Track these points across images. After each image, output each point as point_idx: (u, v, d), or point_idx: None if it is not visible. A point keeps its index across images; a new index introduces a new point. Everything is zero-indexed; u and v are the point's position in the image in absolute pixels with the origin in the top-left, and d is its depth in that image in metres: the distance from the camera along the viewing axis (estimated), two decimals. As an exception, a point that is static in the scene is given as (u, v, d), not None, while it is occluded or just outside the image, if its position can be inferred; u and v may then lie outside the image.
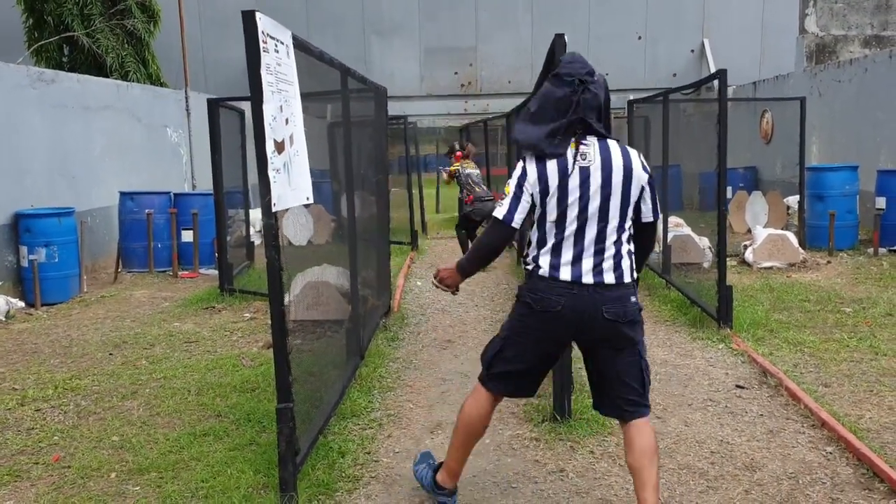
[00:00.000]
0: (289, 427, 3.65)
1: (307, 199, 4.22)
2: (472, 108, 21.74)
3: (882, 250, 10.29)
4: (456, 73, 20.18)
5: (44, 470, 4.31)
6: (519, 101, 12.35)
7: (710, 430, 4.72)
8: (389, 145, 16.21)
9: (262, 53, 3.67)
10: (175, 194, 11.05)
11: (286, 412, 3.66)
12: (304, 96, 4.80)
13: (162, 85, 14.55)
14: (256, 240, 11.84)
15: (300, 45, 4.40)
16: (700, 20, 20.24)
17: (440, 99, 21.25)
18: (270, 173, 3.67)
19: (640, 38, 20.10)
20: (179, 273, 10.30)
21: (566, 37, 4.72)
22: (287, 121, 3.98)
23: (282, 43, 4.03)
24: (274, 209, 3.69)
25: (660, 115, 9.26)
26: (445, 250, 12.96)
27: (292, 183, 3.98)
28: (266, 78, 3.71)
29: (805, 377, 5.56)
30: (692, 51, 20.06)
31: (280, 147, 3.83)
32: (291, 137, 4.04)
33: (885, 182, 10.50)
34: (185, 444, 4.57)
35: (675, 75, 19.60)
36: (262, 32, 3.70)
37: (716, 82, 6.68)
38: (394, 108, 17.26)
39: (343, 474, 4.14)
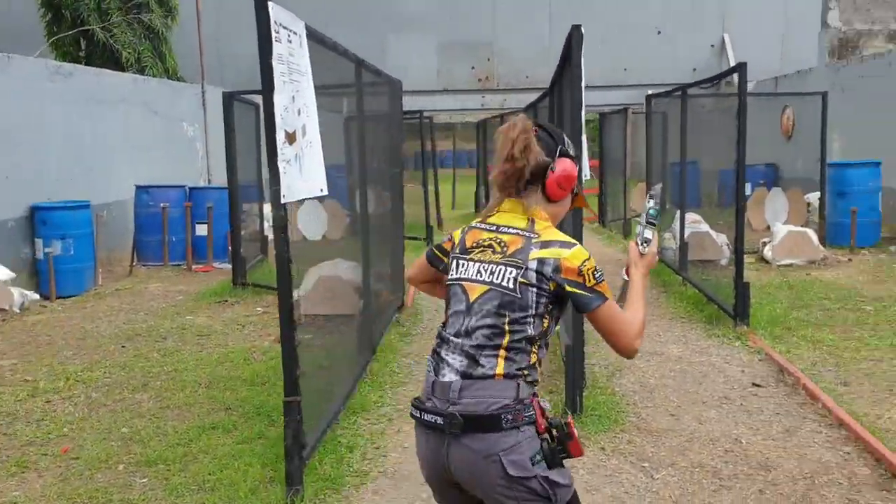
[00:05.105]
0: (296, 421, 3.62)
1: (321, 190, 4.18)
2: (489, 103, 21.63)
3: (904, 248, 10.14)
4: (473, 67, 20.08)
5: (52, 461, 4.30)
6: (536, 96, 12.27)
7: (725, 428, 4.65)
8: (405, 140, 16.18)
9: (275, 43, 3.64)
10: (190, 188, 11.08)
11: (293, 406, 3.63)
12: (318, 88, 4.77)
13: (179, 79, 14.58)
14: (271, 234, 11.86)
15: (314, 36, 4.36)
16: (720, 14, 20.02)
17: (457, 94, 21.16)
18: (280, 164, 3.63)
19: (659, 32, 19.91)
20: (193, 266, 10.32)
21: (582, 29, 4.65)
22: (299, 111, 3.95)
23: (295, 33, 3.99)
24: (283, 200, 3.66)
25: (678, 110, 9.15)
26: (461, 245, 12.89)
27: (304, 174, 3.94)
28: (278, 68, 3.67)
29: (824, 376, 5.47)
30: (712, 45, 19.86)
31: (291, 138, 3.79)
32: (304, 128, 4.00)
33: (908, 179, 10.34)
34: (193, 437, 4.55)
35: (695, 70, 19.40)
36: (275, 22, 3.67)
37: (735, 76, 6.58)
38: (410, 103, 17.21)
39: (351, 469, 4.11)
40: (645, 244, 2.36)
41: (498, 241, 2.23)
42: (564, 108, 5.98)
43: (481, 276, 2.21)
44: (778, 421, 4.76)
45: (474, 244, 2.27)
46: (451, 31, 19.95)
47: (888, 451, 4.11)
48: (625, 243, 12.63)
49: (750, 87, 17.33)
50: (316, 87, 4.51)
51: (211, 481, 3.96)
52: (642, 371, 5.72)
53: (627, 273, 2.40)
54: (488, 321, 2.16)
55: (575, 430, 2.16)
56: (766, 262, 9.63)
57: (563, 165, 2.25)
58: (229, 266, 9.51)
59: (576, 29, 4.48)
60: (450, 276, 2.31)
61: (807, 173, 13.43)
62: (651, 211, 2.39)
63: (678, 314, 7.44)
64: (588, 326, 5.18)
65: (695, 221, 9.61)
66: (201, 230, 10.52)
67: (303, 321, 7.14)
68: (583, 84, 4.54)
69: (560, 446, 2.14)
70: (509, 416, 2.10)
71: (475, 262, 2.23)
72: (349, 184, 6.40)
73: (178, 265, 10.52)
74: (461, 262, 2.28)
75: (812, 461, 4.18)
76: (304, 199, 12.44)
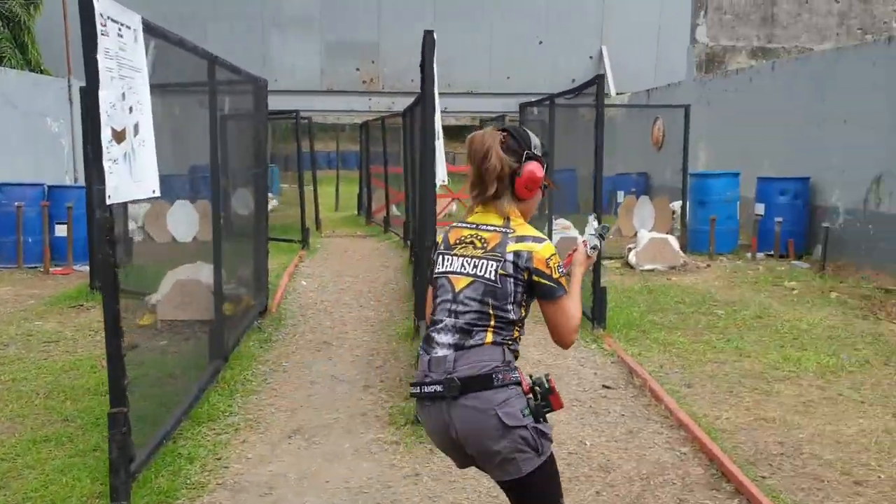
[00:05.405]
0: (121, 433, 3.45)
1: (153, 192, 4.02)
2: (376, 105, 21.56)
3: (760, 255, 10.67)
4: (357, 69, 19.97)
5: None
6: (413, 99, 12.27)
7: (572, 430, 4.74)
8: (285, 141, 15.90)
9: (100, 37, 3.46)
10: (49, 186, 10.51)
11: (119, 417, 3.46)
12: (166, 86, 4.59)
13: (43, 72, 13.85)
14: (137, 236, 11.42)
15: (154, 32, 4.18)
16: (599, 26, 20.63)
17: (343, 95, 20.99)
18: (106, 163, 3.46)
19: (540, 42, 20.34)
20: (51, 269, 9.79)
21: (435, 34, 4.65)
22: (131, 109, 3.78)
23: (128, 27, 3.81)
24: (109, 202, 3.48)
25: (557, 119, 9.37)
26: (338, 249, 12.77)
27: (135, 174, 3.77)
28: (104, 63, 3.50)
29: (670, 377, 5.66)
30: (591, 57, 20.44)
31: (120, 136, 3.62)
32: (136, 126, 3.83)
33: (765, 189, 10.90)
34: (21, 451, 4.28)
35: (574, 80, 19.90)
36: (101, 15, 3.49)
37: (594, 88, 6.76)
38: (293, 103, 16.94)
39: (188, 481, 3.95)
40: (594, 250, 2.81)
41: (478, 237, 2.50)
42: (427, 113, 5.98)
43: (465, 269, 2.48)
44: (623, 423, 4.89)
45: (457, 241, 2.53)
46: (336, 32, 19.79)
47: (720, 451, 4.28)
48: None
49: (625, 98, 17.99)
50: (164, 85, 4.35)
51: (33, 498, 3.73)
52: (500, 375, 5.77)
53: (566, 266, 2.70)
54: (474, 307, 2.45)
55: (555, 385, 2.49)
56: (631, 267, 9.95)
57: (529, 168, 2.50)
58: (89, 269, 9.07)
59: (428, 34, 4.48)
60: (437, 270, 2.58)
61: (675, 182, 13.98)
62: (606, 226, 2.93)
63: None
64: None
65: (564, 227, 9.85)
66: (61, 231, 10.00)
67: (160, 326, 6.91)
68: (435, 89, 4.54)
69: (544, 402, 2.46)
70: (500, 376, 2.41)
71: (459, 256, 2.50)
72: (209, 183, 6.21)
73: (35, 268, 9.95)
74: (446, 257, 2.55)
75: (650, 462, 4.30)
76: (174, 201, 11.99)
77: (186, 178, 11.42)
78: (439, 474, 4.11)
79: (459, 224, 2.58)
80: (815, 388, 5.43)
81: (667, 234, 10.86)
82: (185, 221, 11.41)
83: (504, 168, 2.47)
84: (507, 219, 2.51)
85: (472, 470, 4.12)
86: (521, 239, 2.46)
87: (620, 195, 14.55)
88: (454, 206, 18.34)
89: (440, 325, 2.50)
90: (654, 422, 4.89)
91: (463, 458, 2.56)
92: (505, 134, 2.53)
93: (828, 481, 4.04)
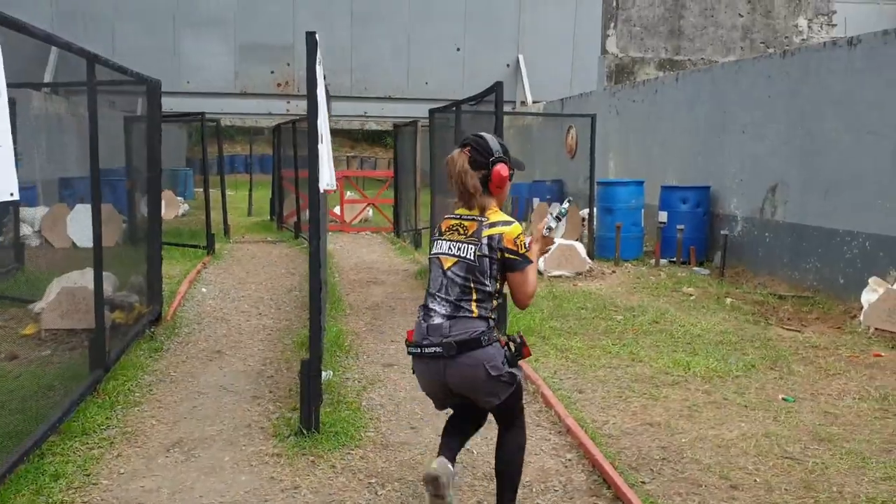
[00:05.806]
0: (-32, 451, 3.25)
1: (11, 195, 3.81)
2: (294, 108, 21.26)
3: (663, 261, 10.90)
4: (272, 71, 19.66)
5: None
6: (334, 104, 12.13)
7: (460, 439, 4.69)
8: (200, 144, 15.45)
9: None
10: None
11: (-34, 435, 3.26)
12: (40, 86, 4.37)
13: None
14: (33, 241, 10.98)
15: (12, 26, 3.97)
16: (516, 35, 20.83)
17: (260, 98, 20.65)
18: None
19: (458, 49, 20.42)
20: (-66, 275, 9.29)
21: (317, 36, 4.57)
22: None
23: (-20, 21, 3.61)
24: (-43, 206, 3.28)
25: (464, 125, 9.33)
26: (245, 255, 12.50)
27: (-13, 177, 3.57)
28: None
29: (563, 383, 5.69)
30: (508, 65, 20.61)
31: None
32: (-10, 127, 3.63)
33: (667, 197, 11.14)
34: None
35: (491, 87, 20.05)
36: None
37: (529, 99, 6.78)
38: (208, 105, 16.57)
39: (50, 500, 3.76)
40: (549, 230, 3.37)
41: (461, 225, 3.20)
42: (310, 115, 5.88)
43: (451, 251, 3.18)
44: (512, 430, 4.87)
45: (447, 228, 3.24)
46: (250, 34, 19.45)
47: (602, 457, 4.30)
48: (416, 253, 12.76)
49: (540, 107, 18.20)
50: (32, 84, 4.13)
51: None
52: (395, 384, 5.71)
53: (530, 245, 3.29)
54: (459, 282, 3.14)
55: (525, 339, 3.29)
56: (540, 273, 10.01)
57: (496, 171, 3.20)
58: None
59: (309, 35, 4.40)
60: (431, 252, 3.32)
61: (587, 190, 14.19)
62: (563, 210, 3.45)
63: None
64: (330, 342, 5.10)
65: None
66: (-55, 235, 9.51)
67: (43, 336, 6.61)
68: (319, 92, 4.45)
69: (517, 352, 3.23)
70: (485, 338, 3.15)
71: (447, 241, 3.21)
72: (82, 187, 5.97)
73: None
74: (438, 241, 3.27)
75: (534, 468, 4.30)
76: (74, 204, 11.47)
77: (88, 182, 11.02)
78: (319, 487, 4.02)
79: (449, 216, 3.28)
80: (701, 392, 5.53)
81: (576, 240, 10.99)
82: (85, 226, 11.01)
83: (478, 181, 3.17)
84: (484, 209, 3.20)
85: (354, 482, 4.08)
86: (493, 225, 3.17)
87: (536, 202, 14.70)
88: (370, 212, 18.24)
89: (436, 299, 3.19)
90: (543, 428, 4.90)
91: (445, 400, 3.38)
92: (469, 149, 3.21)
93: (705, 485, 4.10)
